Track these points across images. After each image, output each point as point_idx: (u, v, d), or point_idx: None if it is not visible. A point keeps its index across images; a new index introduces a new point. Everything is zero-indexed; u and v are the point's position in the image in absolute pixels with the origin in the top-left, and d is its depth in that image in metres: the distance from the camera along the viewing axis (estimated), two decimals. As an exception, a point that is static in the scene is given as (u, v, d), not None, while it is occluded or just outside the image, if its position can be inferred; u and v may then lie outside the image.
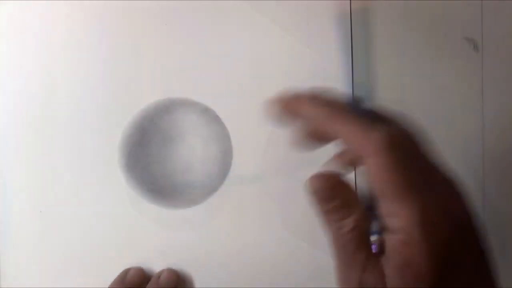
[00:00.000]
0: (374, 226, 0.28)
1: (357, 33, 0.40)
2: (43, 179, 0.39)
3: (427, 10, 0.40)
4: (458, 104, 0.40)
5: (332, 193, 0.28)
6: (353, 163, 0.29)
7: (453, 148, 0.39)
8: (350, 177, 0.30)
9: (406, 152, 0.27)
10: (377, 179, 0.27)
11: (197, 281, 0.39)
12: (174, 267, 0.39)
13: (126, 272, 0.38)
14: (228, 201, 0.39)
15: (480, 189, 0.39)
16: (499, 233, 0.39)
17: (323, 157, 0.29)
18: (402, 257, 0.26)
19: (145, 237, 0.39)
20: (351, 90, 0.40)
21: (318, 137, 0.29)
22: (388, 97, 0.40)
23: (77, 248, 0.39)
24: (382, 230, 0.27)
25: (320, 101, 0.29)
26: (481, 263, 0.29)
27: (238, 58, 0.40)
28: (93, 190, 0.39)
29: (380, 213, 0.28)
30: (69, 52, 0.40)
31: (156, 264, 0.39)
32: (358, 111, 0.29)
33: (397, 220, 0.26)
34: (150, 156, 0.39)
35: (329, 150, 0.30)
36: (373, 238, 0.28)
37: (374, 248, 0.27)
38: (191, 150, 0.39)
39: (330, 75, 0.40)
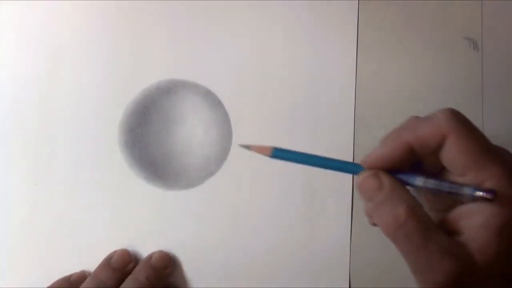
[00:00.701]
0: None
1: (362, 32, 0.41)
2: (41, 153, 0.39)
3: (427, 10, 0.41)
4: (457, 103, 0.40)
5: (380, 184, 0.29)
6: (427, 151, 0.29)
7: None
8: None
9: (474, 125, 0.28)
10: (466, 150, 0.27)
11: (189, 264, 0.38)
12: (167, 248, 0.38)
13: (111, 255, 0.38)
14: (224, 185, 0.39)
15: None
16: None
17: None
18: (501, 217, 0.26)
19: (140, 217, 0.39)
20: (354, 87, 0.40)
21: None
22: (388, 96, 0.40)
23: (71, 223, 0.39)
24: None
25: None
26: None
27: (243, 44, 0.40)
28: (91, 166, 0.39)
29: (465, 187, 0.27)
30: (73, 30, 0.40)
31: (149, 244, 0.38)
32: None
33: (491, 182, 0.26)
34: (149, 136, 0.39)
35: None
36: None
37: (491, 195, 0.27)
38: (191, 133, 0.39)
39: (332, 66, 0.40)
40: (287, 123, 0.39)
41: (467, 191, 0.28)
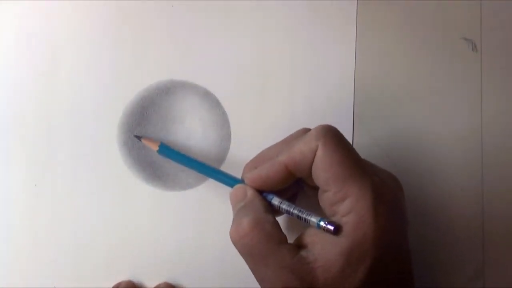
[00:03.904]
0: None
1: (361, 32, 0.41)
2: (40, 153, 0.39)
3: (426, 11, 0.41)
4: (456, 104, 0.40)
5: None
6: (297, 171, 0.30)
7: (452, 148, 0.39)
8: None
9: (346, 140, 0.29)
10: (327, 164, 0.27)
11: (188, 264, 0.38)
12: (167, 248, 0.38)
13: (117, 285, 0.38)
14: (224, 186, 0.39)
15: (479, 188, 0.39)
16: (499, 233, 0.38)
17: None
18: (351, 239, 0.26)
19: (139, 217, 0.39)
20: (353, 88, 0.40)
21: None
22: (387, 96, 0.40)
23: (70, 224, 0.39)
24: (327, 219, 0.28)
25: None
26: (408, 266, 0.29)
27: (242, 45, 0.40)
28: (90, 166, 0.39)
29: (328, 203, 0.28)
30: (73, 30, 0.40)
31: (148, 244, 0.39)
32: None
33: (348, 201, 0.27)
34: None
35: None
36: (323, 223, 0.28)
37: (333, 230, 0.27)
38: (190, 133, 0.39)
39: (331, 67, 0.40)
40: (286, 124, 0.39)
41: (313, 220, 0.28)
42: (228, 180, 0.34)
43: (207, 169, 0.36)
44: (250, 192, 0.31)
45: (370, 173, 0.28)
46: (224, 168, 0.39)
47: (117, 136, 0.39)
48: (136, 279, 0.38)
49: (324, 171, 0.28)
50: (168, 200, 0.39)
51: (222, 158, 0.39)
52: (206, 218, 0.39)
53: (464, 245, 0.38)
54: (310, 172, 0.29)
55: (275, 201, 0.31)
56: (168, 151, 0.37)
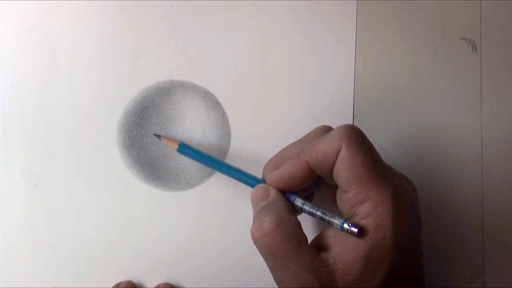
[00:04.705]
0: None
1: (361, 32, 0.41)
2: (39, 153, 0.39)
3: (426, 11, 0.41)
4: (456, 104, 0.40)
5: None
6: (320, 170, 0.30)
7: (452, 148, 0.39)
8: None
9: (369, 142, 0.29)
10: (349, 165, 0.27)
11: (188, 264, 0.38)
12: (166, 248, 0.39)
13: (117, 286, 0.38)
14: (223, 186, 0.39)
15: (478, 188, 0.39)
16: (499, 233, 0.38)
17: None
18: (371, 242, 0.26)
19: (138, 217, 0.39)
20: (352, 88, 0.40)
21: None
22: (386, 96, 0.40)
23: (69, 224, 0.39)
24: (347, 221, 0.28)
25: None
26: (421, 267, 0.30)
27: (241, 45, 0.40)
28: (89, 166, 0.39)
29: (347, 204, 0.28)
30: (72, 30, 0.40)
31: (148, 244, 0.39)
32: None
33: (369, 204, 0.27)
34: (148, 137, 0.39)
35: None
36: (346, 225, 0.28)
37: (357, 232, 0.27)
38: (190, 133, 0.39)
39: (331, 67, 0.40)
40: (286, 124, 0.39)
41: (337, 222, 0.28)
42: (249, 179, 0.34)
43: (226, 167, 0.35)
44: (273, 192, 0.31)
45: (390, 176, 0.28)
46: (224, 168, 0.39)
47: (117, 136, 0.39)
48: (136, 279, 0.38)
49: (346, 172, 0.28)
50: (168, 200, 0.39)
51: (222, 158, 0.39)
52: (206, 218, 0.39)
53: (464, 245, 0.38)
54: (331, 172, 0.29)
55: (298, 202, 0.31)
56: (188, 149, 0.36)
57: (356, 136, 0.28)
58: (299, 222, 0.29)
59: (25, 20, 0.40)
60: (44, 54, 0.40)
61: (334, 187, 0.30)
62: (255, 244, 0.29)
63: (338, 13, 0.40)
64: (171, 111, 0.39)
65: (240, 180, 0.34)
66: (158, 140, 0.39)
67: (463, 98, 0.40)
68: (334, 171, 0.28)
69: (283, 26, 0.40)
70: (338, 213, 0.29)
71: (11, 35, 0.40)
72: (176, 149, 0.36)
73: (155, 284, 0.38)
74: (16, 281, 0.38)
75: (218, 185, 0.39)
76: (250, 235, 0.28)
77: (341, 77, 0.40)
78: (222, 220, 0.39)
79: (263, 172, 0.34)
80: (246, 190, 0.39)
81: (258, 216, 0.29)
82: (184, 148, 0.36)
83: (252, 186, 0.33)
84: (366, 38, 0.40)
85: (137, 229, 0.39)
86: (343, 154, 0.28)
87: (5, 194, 0.39)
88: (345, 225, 0.28)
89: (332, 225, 0.29)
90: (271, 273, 0.29)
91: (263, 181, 0.32)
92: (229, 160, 0.39)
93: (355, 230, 0.27)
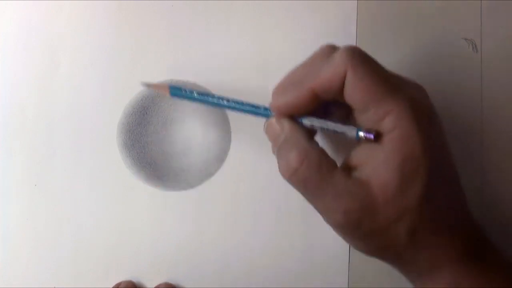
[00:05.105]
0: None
1: (361, 32, 0.41)
2: (39, 153, 0.39)
3: (426, 11, 0.41)
4: (457, 104, 0.40)
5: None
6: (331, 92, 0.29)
7: (452, 148, 0.39)
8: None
9: (372, 59, 0.28)
10: (363, 85, 0.27)
11: (188, 264, 0.38)
12: (164, 247, 0.39)
13: (117, 286, 0.38)
14: (223, 186, 0.39)
15: (479, 188, 0.39)
16: (498, 232, 0.38)
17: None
18: (402, 153, 0.26)
19: (139, 217, 0.39)
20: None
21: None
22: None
23: (69, 224, 0.39)
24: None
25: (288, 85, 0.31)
26: (458, 185, 0.30)
27: (242, 45, 0.40)
28: (90, 166, 0.39)
29: (367, 122, 0.28)
30: (73, 30, 0.40)
31: (147, 245, 0.39)
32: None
33: (390, 118, 0.26)
34: (148, 136, 0.39)
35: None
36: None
37: (373, 137, 0.27)
38: (190, 133, 0.39)
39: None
40: (286, 124, 0.39)
41: (350, 131, 0.28)
42: (254, 109, 0.32)
43: (228, 102, 0.33)
44: (286, 125, 0.30)
45: (404, 86, 0.28)
46: (224, 168, 0.39)
47: (117, 136, 0.39)
48: (136, 279, 0.38)
49: (359, 92, 0.27)
50: (168, 200, 0.39)
51: (222, 158, 0.39)
52: (206, 218, 0.39)
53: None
54: (340, 94, 0.28)
55: (306, 121, 0.30)
56: (180, 91, 0.34)
57: (359, 57, 0.28)
58: (322, 148, 0.29)
59: (25, 20, 0.40)
60: (44, 54, 0.40)
61: (348, 110, 0.30)
62: (288, 182, 0.28)
63: (338, 13, 0.40)
64: (172, 111, 0.39)
65: (245, 111, 0.33)
66: (159, 139, 0.39)
67: (463, 97, 0.40)
68: (345, 94, 0.28)
69: (283, 26, 0.40)
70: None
71: (11, 35, 0.40)
72: (170, 94, 0.34)
73: (155, 284, 0.38)
74: (16, 281, 0.38)
75: (218, 185, 0.39)
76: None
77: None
78: (222, 220, 0.39)
79: (271, 99, 0.32)
80: (246, 190, 0.39)
81: (281, 153, 0.29)
82: (176, 90, 0.34)
83: (260, 114, 0.32)
84: (366, 38, 0.40)
85: (137, 229, 0.39)
86: (350, 77, 0.27)
87: (5, 194, 0.39)
88: (361, 133, 0.27)
89: (347, 136, 0.28)
90: (313, 206, 0.28)
91: (269, 109, 0.32)
92: (230, 161, 0.39)
93: (371, 135, 0.27)
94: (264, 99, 0.33)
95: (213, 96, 0.33)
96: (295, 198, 0.38)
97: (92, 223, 0.39)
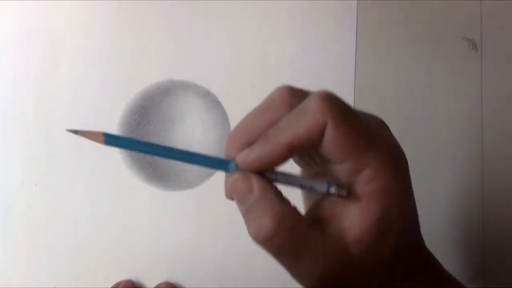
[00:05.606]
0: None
1: (361, 32, 0.41)
2: (40, 153, 0.39)
3: (426, 10, 0.41)
4: (457, 103, 0.40)
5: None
6: (309, 144, 0.27)
7: (452, 148, 0.39)
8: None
9: (351, 108, 0.27)
10: (344, 141, 0.26)
11: (188, 263, 0.38)
12: (164, 248, 0.39)
13: (117, 285, 0.38)
14: (223, 186, 0.39)
15: (478, 188, 0.39)
16: (499, 233, 0.38)
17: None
18: (379, 209, 0.25)
19: (139, 216, 0.39)
20: (353, 87, 0.40)
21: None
22: (387, 95, 0.40)
23: (70, 223, 0.39)
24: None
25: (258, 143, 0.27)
26: (418, 225, 0.29)
27: (242, 45, 0.40)
28: (90, 166, 0.39)
29: (345, 174, 0.26)
30: (73, 30, 0.40)
31: (147, 245, 0.39)
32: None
33: (369, 171, 0.26)
34: (148, 136, 0.39)
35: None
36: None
37: (344, 192, 0.26)
38: (190, 133, 0.39)
39: (332, 67, 0.40)
40: (286, 124, 0.39)
41: (320, 186, 0.26)
42: (211, 162, 0.27)
43: (177, 153, 0.27)
44: (256, 184, 0.26)
45: (383, 137, 0.27)
46: (224, 168, 0.39)
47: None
48: (136, 278, 0.38)
49: (339, 146, 0.25)
50: (168, 200, 0.39)
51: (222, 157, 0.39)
52: (206, 218, 0.39)
53: (464, 245, 0.38)
54: (316, 146, 0.26)
55: (270, 175, 0.27)
56: (116, 139, 0.27)
57: (338, 107, 0.26)
58: (295, 207, 0.27)
59: (25, 20, 0.40)
60: (44, 54, 0.40)
61: (313, 158, 0.28)
62: (260, 246, 0.27)
63: (338, 13, 0.40)
64: (172, 110, 0.39)
65: (199, 164, 0.27)
66: (159, 139, 0.39)
67: (463, 96, 0.40)
68: (323, 147, 0.26)
69: (283, 26, 0.40)
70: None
71: (11, 35, 0.40)
72: (103, 143, 0.27)
73: (155, 284, 0.38)
74: (16, 281, 0.38)
75: (218, 185, 0.39)
76: (246, 235, 0.27)
77: (341, 76, 0.40)
78: (222, 220, 0.39)
79: (229, 149, 0.28)
80: (246, 190, 0.39)
81: (251, 217, 0.26)
82: (111, 139, 0.27)
83: (220, 168, 0.27)
84: (366, 38, 0.40)
85: (138, 229, 0.39)
86: (331, 130, 0.25)
87: (5, 194, 0.39)
88: (332, 189, 0.26)
89: (315, 190, 0.27)
90: (287, 270, 0.28)
91: (231, 162, 0.27)
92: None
93: (344, 192, 0.25)
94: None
95: (158, 146, 0.27)
96: (295, 198, 0.38)
97: (92, 223, 0.39)
